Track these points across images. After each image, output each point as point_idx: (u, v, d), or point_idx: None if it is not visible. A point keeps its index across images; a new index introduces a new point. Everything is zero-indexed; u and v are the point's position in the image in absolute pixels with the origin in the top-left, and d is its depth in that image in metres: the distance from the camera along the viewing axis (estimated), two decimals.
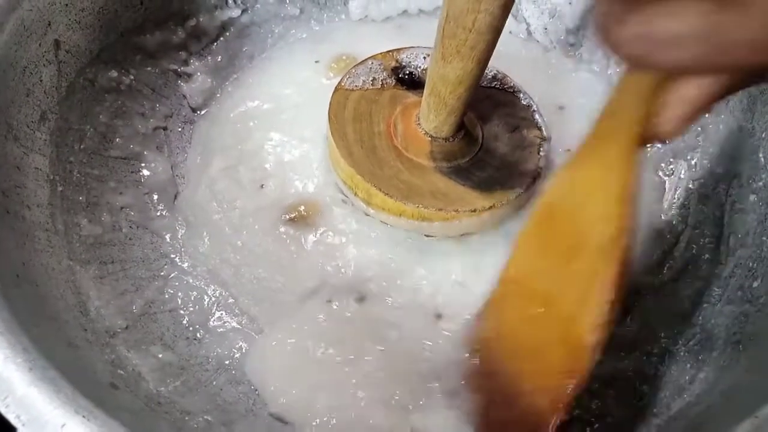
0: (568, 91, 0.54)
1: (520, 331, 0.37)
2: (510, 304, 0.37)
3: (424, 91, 0.43)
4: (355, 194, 0.46)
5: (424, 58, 0.50)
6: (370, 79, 0.49)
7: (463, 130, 0.46)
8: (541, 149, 0.47)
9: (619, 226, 0.30)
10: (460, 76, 0.38)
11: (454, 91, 0.39)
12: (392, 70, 0.50)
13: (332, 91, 0.48)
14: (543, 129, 0.48)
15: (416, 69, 0.50)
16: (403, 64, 0.50)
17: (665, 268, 0.46)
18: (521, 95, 0.50)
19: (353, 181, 0.45)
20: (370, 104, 0.48)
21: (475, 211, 0.44)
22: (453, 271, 0.46)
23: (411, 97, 0.48)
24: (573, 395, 0.33)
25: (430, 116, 0.44)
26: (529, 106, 0.49)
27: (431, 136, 0.45)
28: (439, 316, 0.45)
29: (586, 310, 0.32)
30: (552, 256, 0.35)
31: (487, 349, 0.39)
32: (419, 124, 0.46)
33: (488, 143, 0.47)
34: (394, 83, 0.49)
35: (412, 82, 0.49)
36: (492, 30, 0.34)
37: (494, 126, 0.48)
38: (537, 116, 0.49)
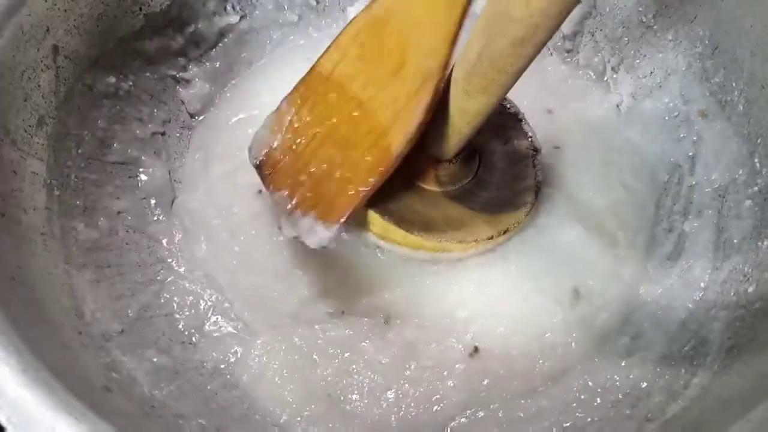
0: (561, 96, 0.54)
1: (334, 128, 0.40)
2: (325, 100, 0.40)
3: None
4: (369, 230, 0.44)
5: None
6: None
7: (464, 150, 0.44)
8: (536, 161, 0.47)
9: (443, 62, 0.35)
10: (480, 109, 0.37)
11: (471, 121, 0.39)
12: None
13: None
14: (533, 139, 0.48)
15: None
16: None
17: (662, 274, 0.46)
18: (508, 104, 0.49)
19: (369, 218, 0.43)
20: None
21: (491, 238, 0.44)
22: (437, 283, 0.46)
23: None
24: (371, 190, 0.39)
25: (439, 141, 0.42)
26: (516, 114, 0.49)
27: (437, 160, 0.44)
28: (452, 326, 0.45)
29: (398, 126, 0.38)
30: (374, 67, 0.38)
31: (290, 147, 0.41)
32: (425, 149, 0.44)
33: (486, 159, 0.47)
34: None
35: None
36: (522, 71, 0.34)
37: (488, 139, 0.47)
38: (525, 126, 0.48)
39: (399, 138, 0.38)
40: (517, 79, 0.34)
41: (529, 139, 0.48)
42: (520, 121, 0.49)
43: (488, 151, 0.47)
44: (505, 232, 0.44)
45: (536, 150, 0.48)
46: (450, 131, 0.41)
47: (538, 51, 0.32)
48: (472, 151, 0.46)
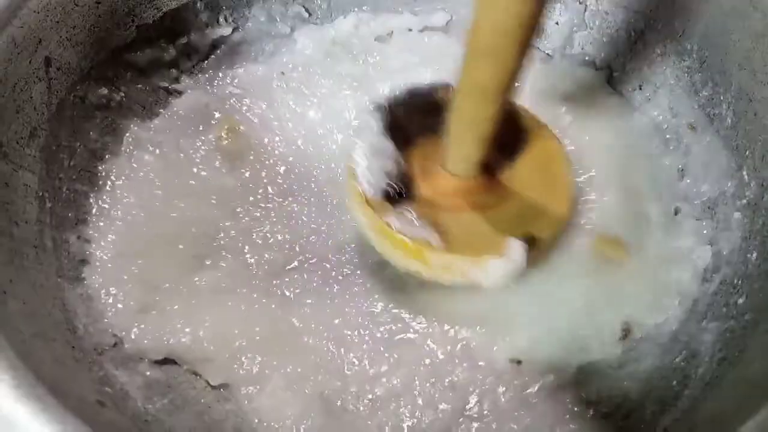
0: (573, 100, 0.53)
1: None
2: None
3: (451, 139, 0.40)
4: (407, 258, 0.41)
5: None
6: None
7: (483, 163, 0.42)
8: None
9: None
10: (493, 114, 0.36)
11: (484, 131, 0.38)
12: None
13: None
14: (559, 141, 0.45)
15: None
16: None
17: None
18: (522, 112, 0.46)
19: (408, 251, 0.40)
20: None
21: (528, 250, 0.39)
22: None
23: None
24: None
25: (459, 159, 0.41)
26: (535, 119, 0.46)
27: (459, 178, 0.42)
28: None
29: None
30: None
31: None
32: (445, 169, 0.42)
33: (510, 173, 0.44)
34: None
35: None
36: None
37: (510, 150, 0.45)
38: (546, 132, 0.45)
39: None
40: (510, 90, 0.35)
41: (560, 143, 0.45)
42: (542, 126, 0.46)
43: (509, 164, 0.45)
44: (538, 246, 0.40)
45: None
46: (470, 142, 0.39)
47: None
48: (495, 165, 0.44)
